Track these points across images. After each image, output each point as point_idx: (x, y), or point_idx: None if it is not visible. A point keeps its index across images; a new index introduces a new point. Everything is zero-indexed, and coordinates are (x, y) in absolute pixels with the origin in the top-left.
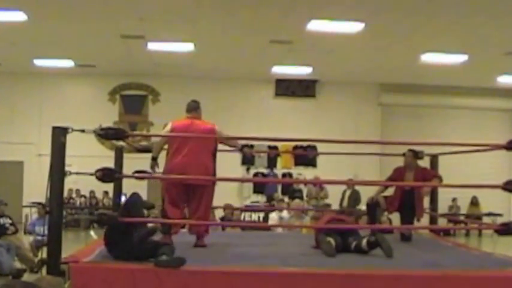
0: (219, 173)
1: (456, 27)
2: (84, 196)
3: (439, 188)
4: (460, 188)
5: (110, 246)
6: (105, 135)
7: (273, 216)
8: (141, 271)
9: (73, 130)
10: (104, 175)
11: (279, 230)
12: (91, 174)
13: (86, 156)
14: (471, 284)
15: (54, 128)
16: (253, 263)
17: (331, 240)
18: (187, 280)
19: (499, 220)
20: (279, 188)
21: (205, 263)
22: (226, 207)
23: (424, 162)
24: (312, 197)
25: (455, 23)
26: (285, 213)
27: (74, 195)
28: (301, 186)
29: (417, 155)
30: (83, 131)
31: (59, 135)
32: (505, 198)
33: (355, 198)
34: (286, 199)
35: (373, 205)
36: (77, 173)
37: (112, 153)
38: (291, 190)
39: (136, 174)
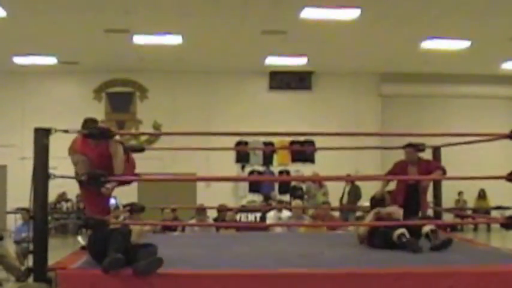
0: (214, 172)
1: (458, 11)
2: (71, 200)
3: (444, 181)
4: (466, 181)
5: (94, 252)
6: (90, 135)
7: (271, 216)
8: (131, 276)
9: (56, 131)
10: (90, 178)
11: (277, 230)
12: (75, 178)
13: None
14: (478, 279)
15: (37, 130)
16: (248, 264)
17: (405, 232)
18: (179, 283)
19: (508, 214)
20: (276, 186)
21: (198, 266)
22: (221, 208)
23: (426, 154)
24: (311, 196)
25: (457, 6)
26: (284, 214)
27: (62, 201)
28: (302, 184)
29: (418, 148)
30: (66, 131)
31: (42, 136)
32: None
33: (355, 193)
34: (284, 198)
35: (377, 201)
36: (62, 177)
37: None
38: (291, 188)
39: (124, 177)
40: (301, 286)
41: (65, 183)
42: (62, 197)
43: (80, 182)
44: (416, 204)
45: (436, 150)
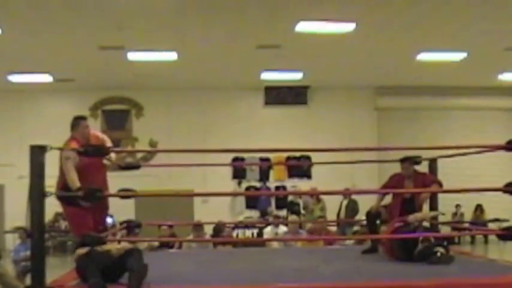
0: (210, 188)
1: (453, 22)
2: None
3: (440, 194)
4: (463, 194)
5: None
6: (85, 152)
7: (268, 232)
8: None
9: (51, 148)
10: (86, 195)
11: (274, 245)
12: (71, 195)
13: None
14: None
15: (32, 147)
16: (244, 280)
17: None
18: None
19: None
20: (273, 202)
21: (194, 282)
22: (218, 224)
23: (423, 167)
24: (308, 211)
25: (452, 18)
26: (281, 229)
27: (61, 220)
28: (298, 199)
29: (414, 161)
30: (61, 149)
31: (38, 154)
32: (511, 204)
33: (352, 208)
34: (281, 213)
35: (373, 215)
36: (58, 194)
37: None
38: (288, 203)
39: (120, 193)
40: None
41: None
42: (60, 216)
43: (65, 199)
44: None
45: (432, 163)
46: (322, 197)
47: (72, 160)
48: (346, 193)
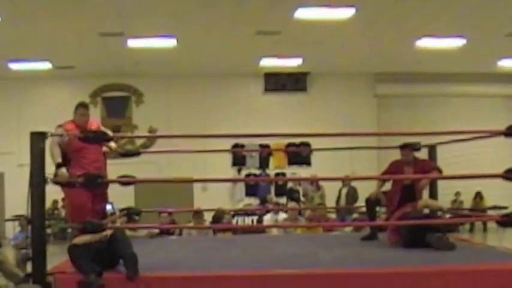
0: (210, 175)
1: (453, 8)
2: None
3: (440, 181)
4: (463, 181)
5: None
6: (85, 139)
7: (268, 219)
8: (127, 281)
9: (52, 135)
10: (87, 181)
11: (274, 232)
12: (72, 182)
13: None
14: (472, 278)
15: (33, 134)
16: (243, 266)
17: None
18: (176, 286)
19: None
20: (272, 190)
21: (194, 268)
22: (218, 211)
23: (422, 154)
24: (308, 198)
25: (451, 4)
26: (280, 216)
27: (59, 206)
28: (298, 186)
29: (414, 148)
30: (61, 135)
31: (38, 141)
32: (509, 190)
33: (352, 195)
34: (280, 201)
35: (372, 202)
36: (58, 181)
37: None
38: (287, 191)
39: (121, 179)
40: (296, 286)
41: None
42: (57, 204)
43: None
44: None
45: (432, 149)
46: (322, 184)
47: (59, 138)
48: (346, 179)
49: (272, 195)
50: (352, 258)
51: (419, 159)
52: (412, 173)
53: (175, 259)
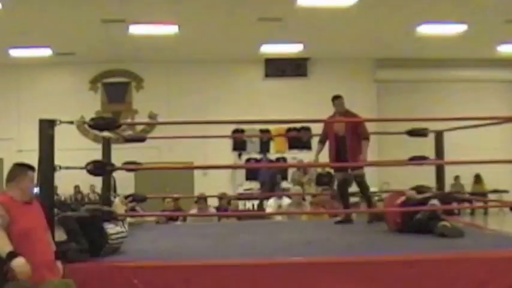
0: (210, 160)
1: None
2: (82, 192)
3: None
4: (463, 165)
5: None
6: (96, 126)
7: (271, 204)
8: (139, 268)
9: (61, 122)
10: (95, 168)
11: (278, 217)
12: (82, 168)
13: (68, 150)
14: (488, 265)
15: (41, 121)
16: (258, 254)
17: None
18: (188, 273)
19: (505, 197)
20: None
21: (206, 255)
22: (222, 197)
23: (429, 140)
24: (296, 183)
25: None
26: (284, 201)
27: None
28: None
29: (419, 134)
30: (71, 122)
31: (47, 127)
32: (508, 174)
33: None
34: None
35: (342, 184)
36: (67, 168)
37: (95, 145)
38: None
39: (126, 166)
40: (309, 275)
41: (61, 174)
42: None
43: None
44: (346, 153)
45: (439, 135)
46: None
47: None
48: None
49: (279, 176)
50: (363, 244)
51: (350, 112)
52: (343, 123)
53: (183, 246)
